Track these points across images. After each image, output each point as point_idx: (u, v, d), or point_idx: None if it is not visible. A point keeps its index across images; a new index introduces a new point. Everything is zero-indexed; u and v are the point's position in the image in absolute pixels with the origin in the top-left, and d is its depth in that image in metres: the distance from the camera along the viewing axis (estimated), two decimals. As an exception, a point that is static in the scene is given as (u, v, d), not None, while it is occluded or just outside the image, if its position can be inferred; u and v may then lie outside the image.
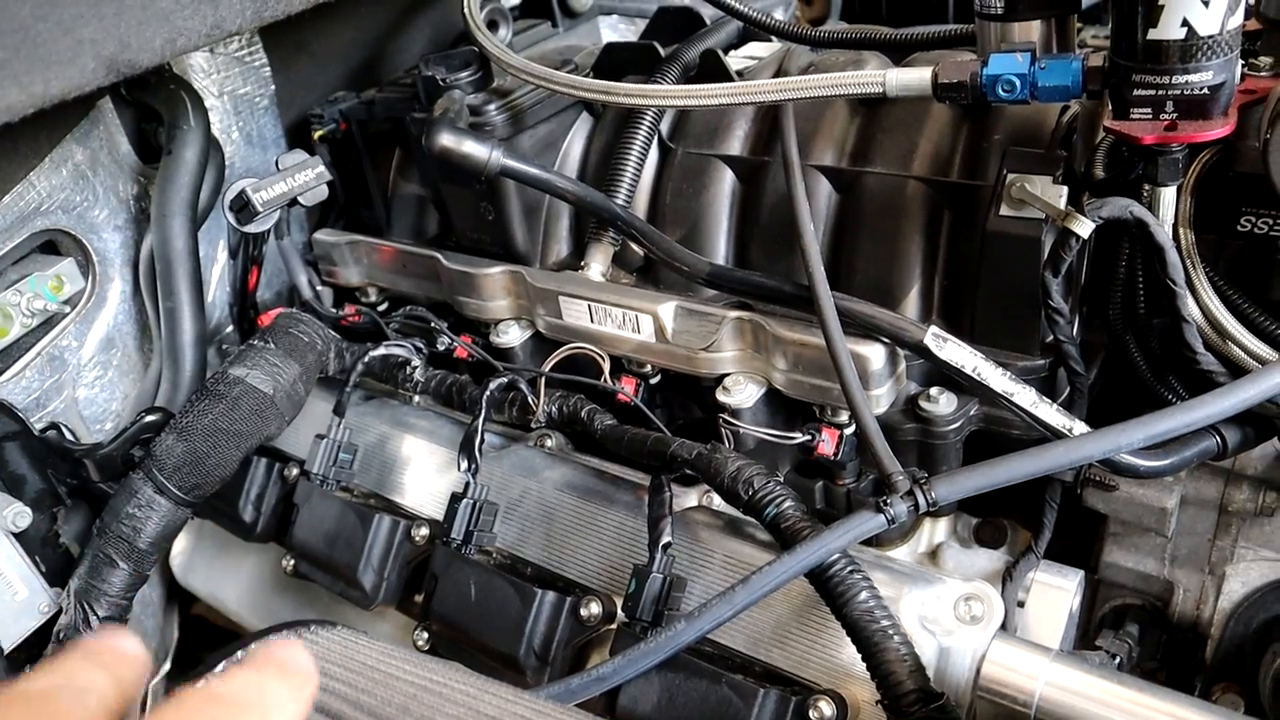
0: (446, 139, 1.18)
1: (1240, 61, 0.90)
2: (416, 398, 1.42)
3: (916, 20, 1.31)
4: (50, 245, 1.37)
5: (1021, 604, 1.10)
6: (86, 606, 1.17)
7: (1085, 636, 1.19)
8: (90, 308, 1.39)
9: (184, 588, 1.61)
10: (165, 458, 1.18)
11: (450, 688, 0.73)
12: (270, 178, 1.21)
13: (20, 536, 1.22)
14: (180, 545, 1.59)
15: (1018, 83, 0.94)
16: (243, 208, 1.20)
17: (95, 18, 0.90)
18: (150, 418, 1.24)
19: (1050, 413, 0.99)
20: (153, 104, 1.38)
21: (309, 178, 1.23)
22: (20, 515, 1.20)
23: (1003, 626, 0.99)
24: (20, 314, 1.30)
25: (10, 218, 1.25)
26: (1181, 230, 1.01)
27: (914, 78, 0.99)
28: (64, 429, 1.33)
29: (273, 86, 1.58)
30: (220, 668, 0.79)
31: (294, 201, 1.22)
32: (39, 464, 1.28)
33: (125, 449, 1.23)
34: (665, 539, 1.02)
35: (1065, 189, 1.00)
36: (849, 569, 0.92)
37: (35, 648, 1.22)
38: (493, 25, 1.46)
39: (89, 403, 1.42)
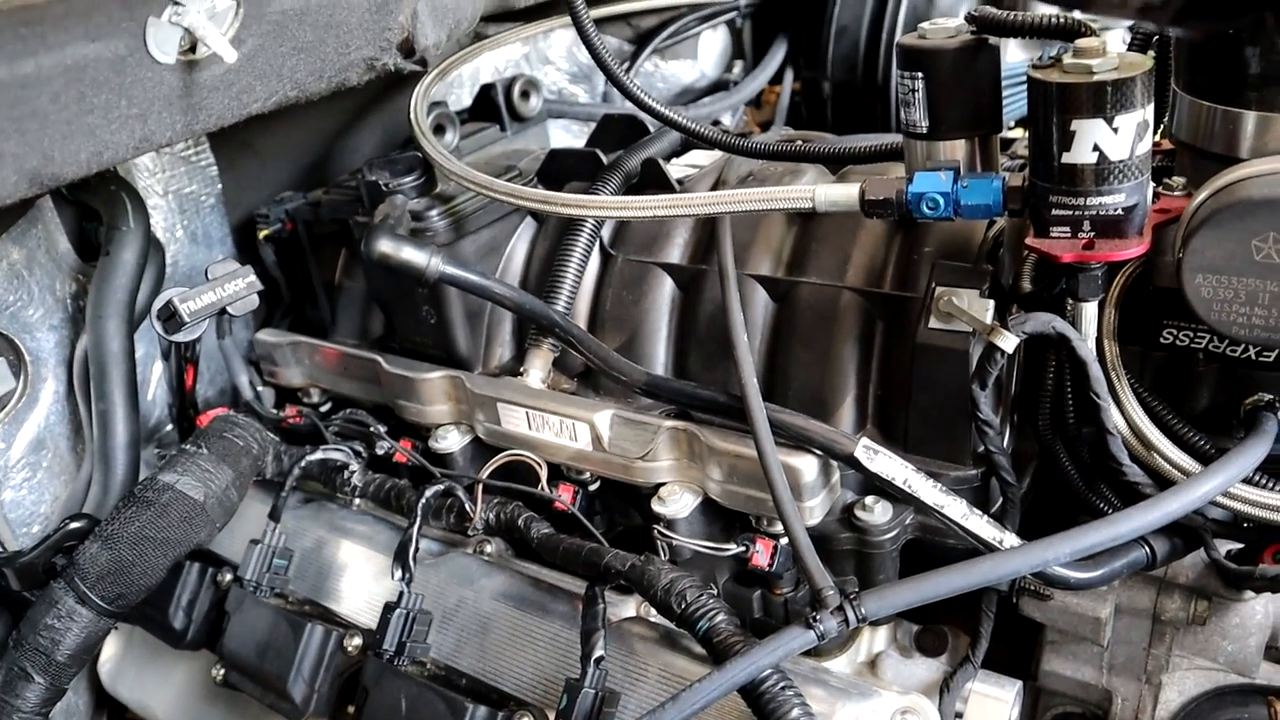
0: (385, 245, 1.18)
1: (1153, 183, 0.93)
2: (357, 501, 1.40)
3: (860, 127, 1.35)
4: (-19, 345, 1.36)
5: (960, 715, 1.09)
6: (-1, 724, 1.13)
7: (1027, 747, 1.18)
8: (21, 408, 1.37)
9: (112, 697, 1.55)
10: (89, 566, 1.15)
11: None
12: (199, 287, 1.21)
13: (-67, 648, 1.17)
14: (109, 651, 1.54)
15: (941, 201, 0.96)
16: (170, 317, 1.19)
17: (16, 132, 0.90)
18: (74, 524, 1.21)
19: (981, 525, 0.99)
20: (92, 204, 1.38)
21: (239, 287, 1.23)
22: (-66, 627, 1.16)
23: (939, 741, 0.99)
24: (-52, 416, 1.27)
25: (-59, 319, 1.24)
26: (1106, 342, 1.03)
27: (842, 194, 1.01)
28: (-12, 534, 1.30)
29: (219, 185, 1.59)
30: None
31: (223, 311, 1.21)
32: (-42, 572, 1.24)
33: (47, 557, 1.20)
34: (598, 652, 1.00)
35: (992, 303, 1.02)
36: (780, 685, 0.91)
37: (-56, 767, 1.17)
38: (439, 129, 1.48)
39: (15, 505, 1.38)
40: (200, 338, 1.27)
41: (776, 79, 2.15)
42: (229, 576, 1.33)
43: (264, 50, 1.08)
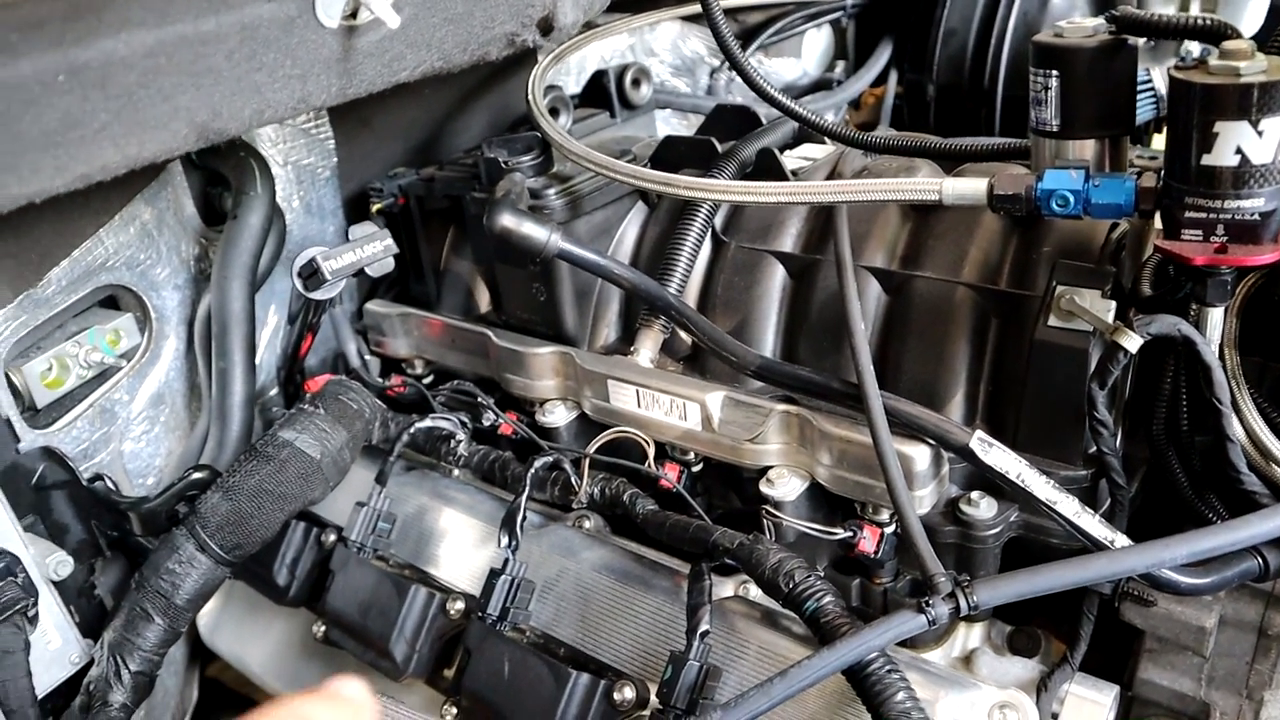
0: (508, 219, 1.21)
1: (1291, 190, 0.92)
2: (456, 471, 1.44)
3: (963, 131, 1.35)
4: (111, 300, 1.41)
5: (1055, 716, 1.09)
6: (119, 660, 1.17)
7: (1117, 754, 1.17)
8: (144, 363, 1.42)
9: (207, 648, 1.60)
10: (209, 516, 1.20)
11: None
12: (340, 248, 1.25)
13: (59, 585, 1.22)
14: (208, 606, 1.58)
15: (1071, 198, 0.97)
16: (311, 274, 1.23)
17: (193, 87, 0.95)
18: (197, 475, 1.26)
19: (1092, 523, 0.99)
20: (221, 170, 1.43)
21: (377, 250, 1.27)
22: (62, 564, 1.21)
23: (1037, 738, 0.99)
24: (78, 365, 1.33)
25: (78, 271, 1.29)
26: (1227, 350, 1.02)
27: (969, 188, 1.02)
28: (108, 481, 1.35)
29: (335, 159, 1.63)
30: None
31: (360, 272, 1.25)
32: (84, 514, 1.30)
33: (171, 504, 1.25)
34: (704, 627, 1.02)
35: (1114, 303, 1.02)
36: (887, 668, 0.92)
37: (64, 698, 1.22)
38: (554, 112, 1.51)
39: (134, 457, 1.44)
40: (330, 301, 1.31)
41: (878, 81, 2.16)
42: (333, 537, 1.37)
43: (418, 19, 1.12)
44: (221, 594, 1.58)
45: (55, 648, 1.22)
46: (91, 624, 1.29)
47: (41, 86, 0.83)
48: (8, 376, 1.25)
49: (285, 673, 1.46)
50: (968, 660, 1.19)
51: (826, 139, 1.45)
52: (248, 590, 1.50)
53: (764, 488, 1.14)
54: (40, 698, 1.20)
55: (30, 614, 1.09)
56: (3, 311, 1.21)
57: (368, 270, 1.26)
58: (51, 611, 1.20)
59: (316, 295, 1.24)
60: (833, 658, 0.91)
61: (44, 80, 0.83)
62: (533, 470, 1.22)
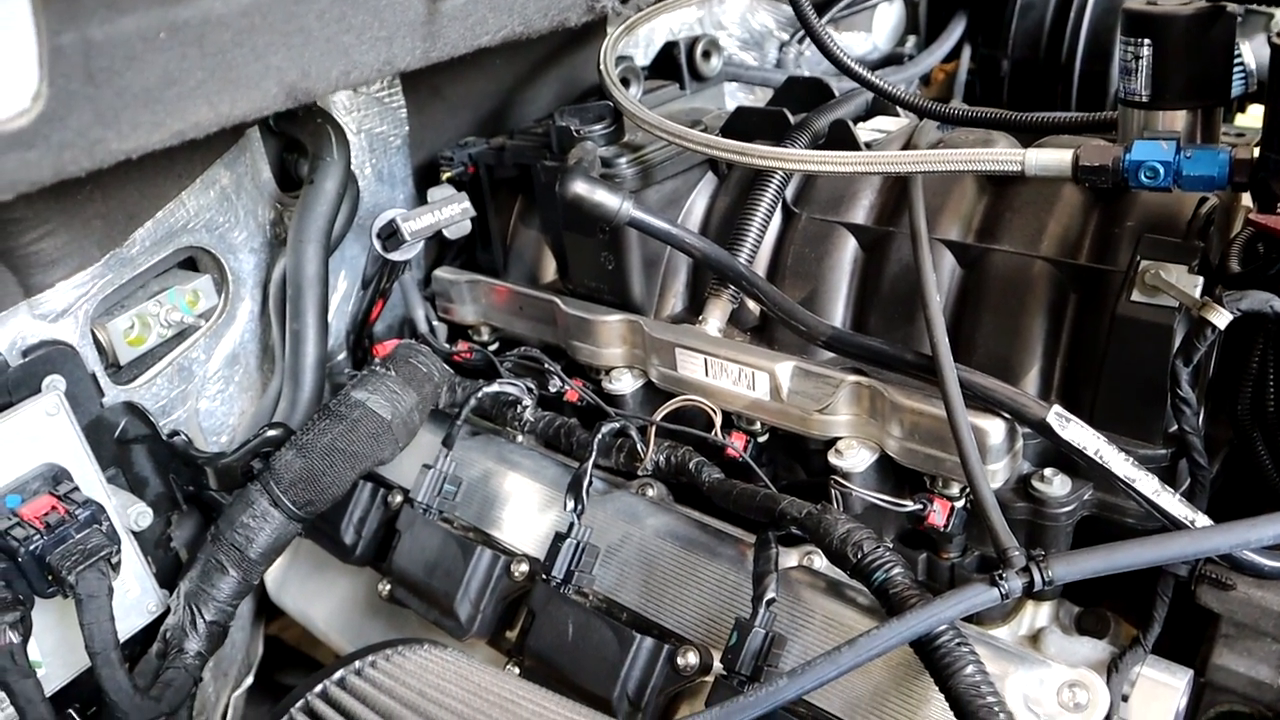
0: (580, 186, 1.22)
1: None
2: (520, 437, 1.45)
3: (1038, 107, 1.32)
4: (190, 261, 1.44)
5: (1126, 698, 1.07)
6: (195, 609, 1.21)
7: (1186, 740, 1.15)
8: (221, 324, 1.45)
9: (273, 604, 1.64)
10: (283, 472, 1.22)
11: (565, 718, 0.74)
12: (419, 209, 1.26)
13: (138, 536, 1.26)
14: (275, 563, 1.62)
15: (1161, 170, 0.95)
16: (390, 235, 1.25)
17: (284, 46, 0.96)
18: (272, 432, 1.29)
19: (1173, 502, 0.97)
20: (299, 136, 1.45)
21: (455, 212, 1.28)
22: (142, 515, 1.24)
23: (1106, 718, 0.97)
24: (158, 324, 1.36)
25: (161, 232, 1.32)
26: (1317, 329, 1.00)
27: (1053, 159, 1.00)
28: (185, 437, 1.38)
29: (407, 127, 1.64)
30: (338, 675, 0.81)
31: (439, 233, 1.27)
32: (162, 468, 1.33)
33: (246, 460, 1.27)
34: (770, 594, 1.02)
35: (1201, 279, 1.00)
36: (956, 641, 0.91)
37: (141, 646, 1.26)
38: (625, 82, 1.51)
39: (208, 415, 1.47)
40: (404, 266, 1.32)
41: (950, 56, 2.12)
42: (399, 498, 1.39)
43: (501, -17, 1.12)
44: (288, 551, 1.61)
45: (134, 596, 1.25)
46: (167, 575, 1.33)
47: (144, 43, 0.84)
48: (93, 333, 1.28)
49: (350, 630, 1.49)
50: (1035, 639, 1.17)
51: (900, 112, 1.43)
52: (314, 548, 1.53)
53: (833, 458, 1.13)
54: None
55: (114, 561, 1.12)
56: (91, 270, 1.24)
57: (445, 232, 1.27)
58: (131, 561, 1.24)
59: (395, 256, 1.25)
60: (902, 628, 0.90)
61: (146, 37, 0.84)
62: (600, 436, 1.22)
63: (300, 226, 1.39)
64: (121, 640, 1.23)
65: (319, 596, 1.56)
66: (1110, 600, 1.18)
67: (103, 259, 1.24)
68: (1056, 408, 0.99)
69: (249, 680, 1.68)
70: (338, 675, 0.80)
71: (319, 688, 0.79)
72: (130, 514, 1.23)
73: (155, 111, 0.87)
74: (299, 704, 0.79)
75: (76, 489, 1.13)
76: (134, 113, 0.86)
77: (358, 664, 0.81)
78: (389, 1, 1.02)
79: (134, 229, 1.27)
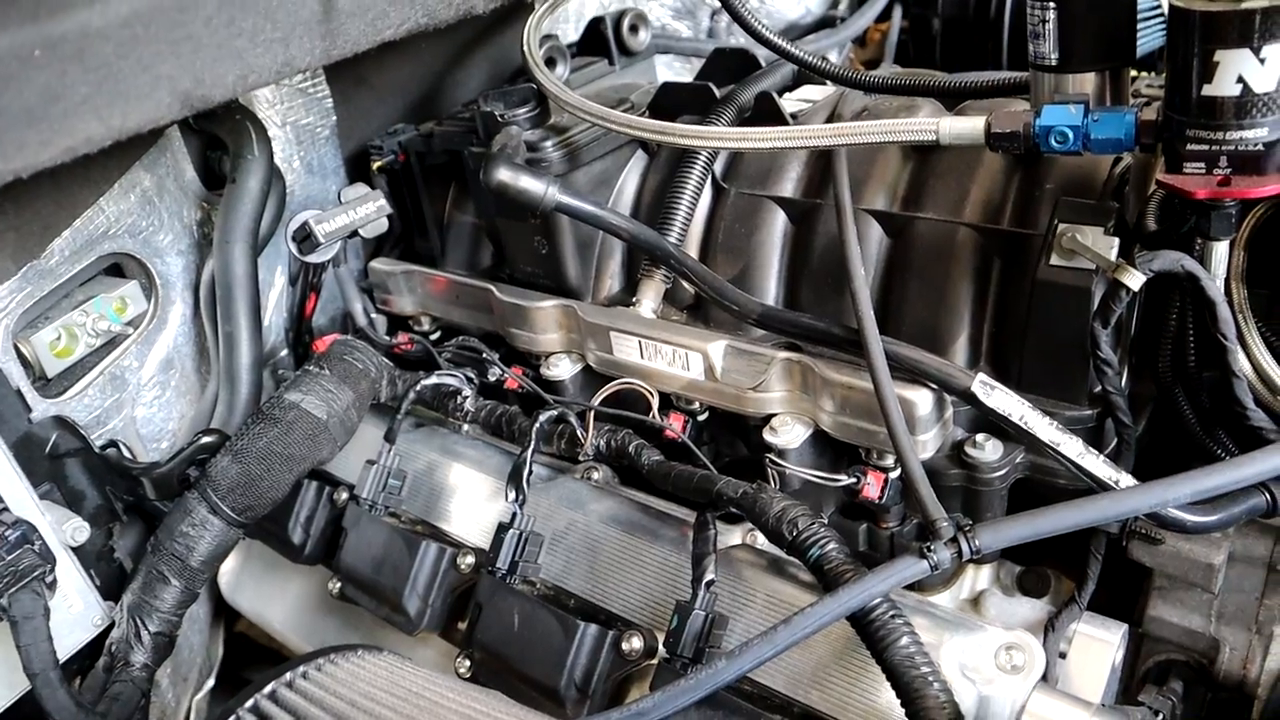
0: (504, 174, 1.20)
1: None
2: (466, 426, 1.44)
3: (970, 66, 1.32)
4: (115, 268, 1.42)
5: (1063, 655, 1.09)
6: (138, 621, 1.20)
7: (1128, 691, 1.17)
8: (152, 329, 1.43)
9: (230, 605, 1.63)
10: (220, 479, 1.21)
11: (492, 716, 0.74)
12: (332, 210, 1.25)
13: (78, 551, 1.24)
14: (229, 564, 1.62)
15: (1070, 134, 0.95)
16: (305, 238, 1.23)
17: (173, 55, 0.94)
18: (206, 439, 1.27)
19: (1097, 464, 0.99)
20: (219, 133, 1.43)
21: (370, 211, 1.27)
22: (79, 530, 1.23)
23: (1044, 678, 0.99)
24: (86, 334, 1.34)
25: (80, 241, 1.29)
26: (1234, 284, 1.01)
27: (967, 127, 1.00)
28: (122, 447, 1.37)
29: (334, 118, 1.62)
30: (269, 689, 0.81)
31: (354, 233, 1.25)
32: (98, 480, 1.31)
33: (181, 469, 1.26)
34: (709, 576, 1.02)
35: (1117, 240, 1.01)
36: (890, 613, 0.92)
37: (89, 659, 1.25)
38: (550, 62, 1.49)
39: (146, 422, 1.45)
40: (328, 262, 1.31)
41: (883, 16, 2.11)
42: (345, 495, 1.39)
43: (398, -25, 1.10)
44: (241, 553, 1.61)
45: (77, 611, 1.24)
46: (112, 587, 1.32)
47: (18, 62, 0.82)
48: (17, 348, 1.26)
49: (304, 629, 1.49)
50: (976, 602, 1.19)
51: (826, 80, 1.42)
52: (266, 549, 1.52)
53: (767, 436, 1.14)
54: (65, 659, 1.23)
55: (49, 580, 1.11)
56: (7, 284, 1.22)
57: (361, 231, 1.26)
58: (71, 576, 1.22)
59: (311, 259, 1.24)
60: (835, 604, 0.91)
61: (20, 55, 0.82)
62: (538, 424, 1.22)
63: (225, 227, 1.37)
64: (67, 655, 1.22)
65: (273, 597, 1.55)
66: (1053, 559, 1.20)
67: (19, 272, 1.22)
68: (981, 376, 1.00)
69: (210, 683, 1.68)
70: (269, 689, 0.80)
71: (250, 702, 0.79)
72: (66, 530, 1.22)
73: (40, 130, 0.85)
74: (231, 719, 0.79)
75: (6, 509, 1.12)
76: (17, 132, 0.84)
77: (289, 675, 0.81)
78: (280, 2, 1.00)
79: (50, 239, 1.25)
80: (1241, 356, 0.99)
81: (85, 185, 1.29)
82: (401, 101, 1.71)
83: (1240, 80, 0.85)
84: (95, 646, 1.26)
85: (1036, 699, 0.90)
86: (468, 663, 1.18)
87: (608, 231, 1.26)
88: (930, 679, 0.89)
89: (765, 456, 1.13)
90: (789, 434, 1.13)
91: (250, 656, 1.78)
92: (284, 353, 1.64)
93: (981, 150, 1.16)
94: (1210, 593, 1.11)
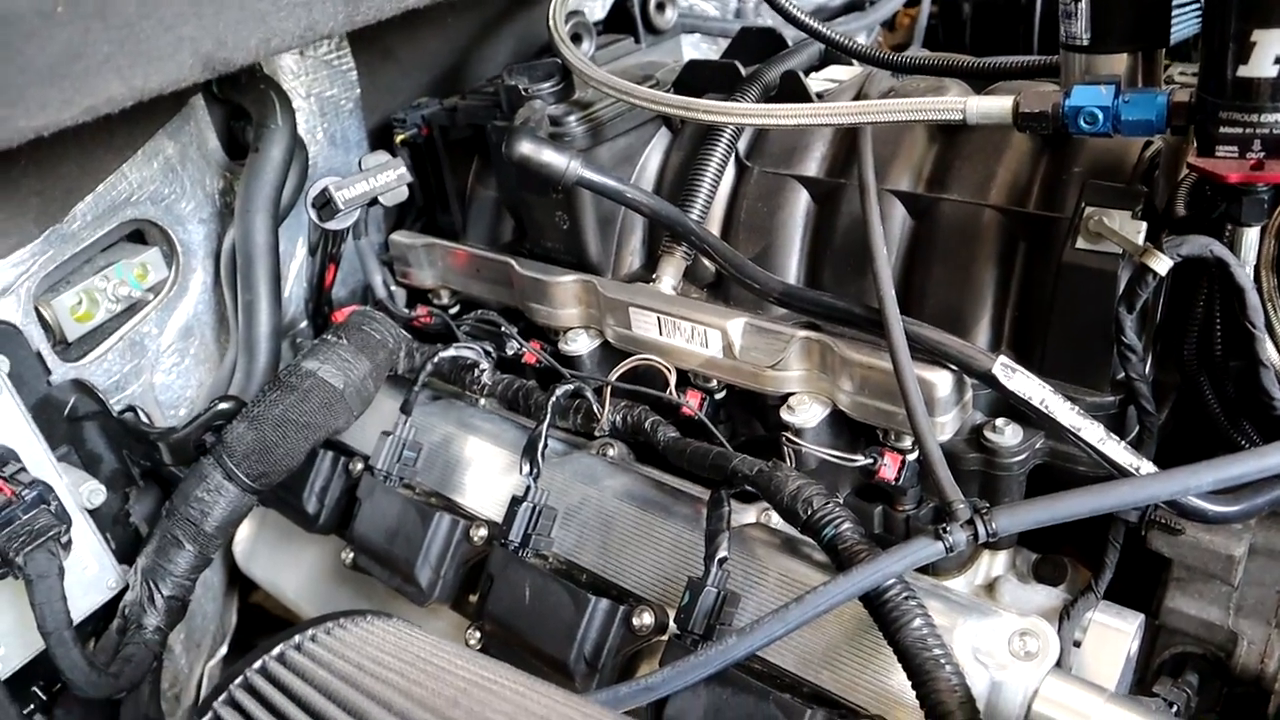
0: (526, 147, 1.20)
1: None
2: (482, 400, 1.44)
3: (1000, 50, 1.31)
4: (138, 235, 1.42)
5: (1078, 644, 1.08)
6: (152, 585, 1.21)
7: (1142, 682, 1.16)
8: (172, 296, 1.44)
9: (245, 574, 1.64)
10: (236, 445, 1.21)
11: (500, 684, 0.74)
12: (352, 177, 1.24)
13: (93, 513, 1.25)
14: (244, 533, 1.63)
15: (1100, 115, 0.93)
16: (324, 204, 1.23)
17: (195, 16, 0.94)
18: (223, 405, 1.28)
19: (1118, 450, 0.97)
20: (242, 103, 1.43)
21: (390, 178, 1.26)
22: (95, 493, 1.23)
23: (1057, 665, 0.98)
24: (106, 299, 1.34)
25: (102, 206, 1.30)
26: (1264, 272, 0.99)
27: (995, 106, 0.99)
28: (140, 412, 1.37)
29: (358, 90, 1.62)
30: (277, 651, 0.81)
31: (374, 201, 1.25)
32: (115, 444, 1.32)
33: (198, 434, 1.27)
34: (721, 553, 1.02)
35: (1144, 225, 0.99)
36: (904, 595, 0.91)
37: (103, 622, 1.26)
38: (576, 38, 1.49)
39: (165, 388, 1.46)
40: (348, 233, 1.30)
41: (913, 1, 2.09)
42: (360, 466, 1.39)
43: (427, -61, 1.09)
44: (255, 521, 1.62)
45: (92, 574, 1.25)
46: (127, 551, 1.33)
47: (40, 18, 0.82)
48: (38, 311, 1.27)
49: (317, 598, 1.49)
50: (991, 588, 1.18)
51: (854, 61, 1.41)
52: (281, 518, 1.53)
53: (784, 414, 1.13)
54: (79, 621, 1.23)
55: (64, 540, 1.12)
56: (30, 247, 1.23)
57: (381, 199, 1.25)
58: (87, 539, 1.23)
59: (331, 225, 1.23)
60: (848, 584, 0.91)
61: (42, 11, 0.82)
62: (554, 399, 1.22)
63: (247, 196, 1.37)
64: (82, 617, 1.23)
65: (287, 566, 1.56)
66: (1070, 547, 1.19)
67: (41, 235, 1.22)
68: (1002, 358, 0.99)
69: (223, 650, 1.69)
70: (277, 651, 0.80)
71: (258, 664, 0.79)
72: (83, 492, 1.22)
73: (62, 88, 0.85)
74: (238, 680, 0.79)
75: (23, 469, 1.12)
76: (39, 90, 0.84)
77: (297, 638, 0.81)
78: (305, -36, 1.00)
79: (73, 204, 1.25)
80: (1270, 345, 0.97)
81: (109, 151, 1.29)
82: (426, 75, 1.71)
83: (1278, 61, 0.83)
84: (110, 609, 1.26)
85: (1050, 683, 0.90)
86: (478, 634, 1.18)
87: (629, 207, 1.25)
88: (942, 661, 0.88)
89: (782, 435, 1.12)
90: (806, 413, 1.12)
91: (265, 626, 1.79)
92: (303, 324, 1.64)
93: (1009, 132, 1.14)
94: (1230, 585, 1.09)
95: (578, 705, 0.72)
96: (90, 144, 1.25)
